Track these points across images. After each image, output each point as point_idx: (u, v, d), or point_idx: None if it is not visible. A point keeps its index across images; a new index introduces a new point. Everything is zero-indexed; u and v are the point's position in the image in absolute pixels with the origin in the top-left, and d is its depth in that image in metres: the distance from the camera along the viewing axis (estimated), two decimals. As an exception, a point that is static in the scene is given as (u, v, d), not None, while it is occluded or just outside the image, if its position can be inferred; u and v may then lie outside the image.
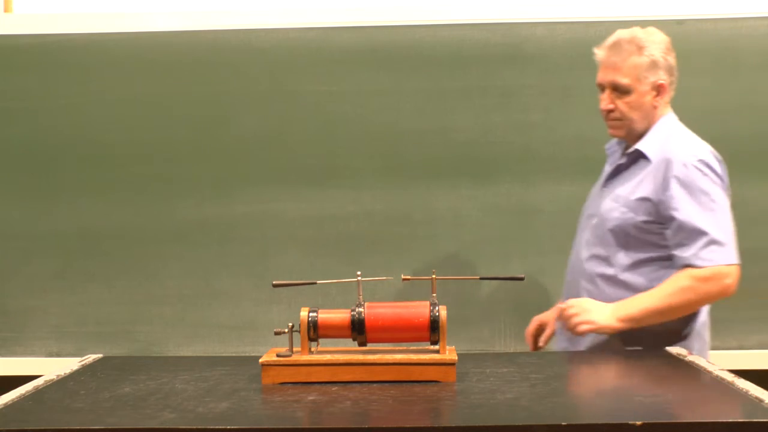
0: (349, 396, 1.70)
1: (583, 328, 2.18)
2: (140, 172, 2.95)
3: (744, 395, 1.67)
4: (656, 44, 2.27)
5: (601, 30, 2.89)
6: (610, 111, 2.29)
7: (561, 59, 2.91)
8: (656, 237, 2.23)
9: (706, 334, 2.34)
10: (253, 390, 1.78)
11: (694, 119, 2.90)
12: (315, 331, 1.86)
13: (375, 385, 1.78)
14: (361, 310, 1.85)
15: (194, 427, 1.51)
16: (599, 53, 2.31)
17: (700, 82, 2.89)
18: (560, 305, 2.30)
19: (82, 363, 2.11)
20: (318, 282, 2.11)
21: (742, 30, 2.89)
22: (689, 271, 2.18)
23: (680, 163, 2.21)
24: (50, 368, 2.07)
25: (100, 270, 2.95)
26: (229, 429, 1.49)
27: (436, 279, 1.90)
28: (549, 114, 2.92)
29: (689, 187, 2.20)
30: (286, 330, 1.87)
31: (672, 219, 2.20)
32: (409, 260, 2.89)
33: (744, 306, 2.88)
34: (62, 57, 2.96)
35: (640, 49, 2.25)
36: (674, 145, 2.26)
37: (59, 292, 2.95)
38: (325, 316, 1.87)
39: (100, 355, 2.23)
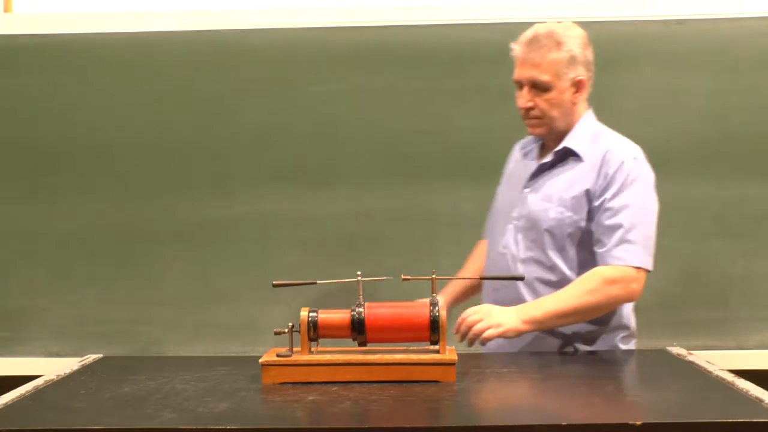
0: (349, 396, 1.70)
1: (489, 333, 2.08)
2: (140, 172, 2.95)
3: (744, 395, 1.67)
4: (574, 39, 2.21)
5: (600, 30, 2.89)
6: (530, 109, 2.22)
7: (561, 59, 2.91)
8: None
9: (632, 322, 2.29)
10: (253, 390, 1.78)
11: (694, 119, 2.91)
12: (315, 331, 1.86)
13: (375, 385, 1.78)
14: (361, 310, 1.85)
15: (194, 427, 1.51)
16: (516, 49, 2.21)
17: (700, 82, 2.89)
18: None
19: (82, 363, 2.11)
20: (318, 282, 2.12)
21: (742, 30, 2.89)
22: (599, 271, 2.14)
23: (617, 161, 2.19)
24: (50, 368, 2.07)
25: (100, 270, 2.95)
26: (229, 429, 1.49)
27: (436, 279, 1.90)
28: (549, 114, 2.91)
29: (622, 184, 2.17)
30: (286, 330, 1.87)
31: (598, 214, 2.18)
32: (409, 260, 2.89)
33: (744, 306, 2.88)
34: (62, 57, 2.96)
35: (558, 44, 2.19)
36: (607, 142, 2.24)
37: (59, 292, 2.95)
38: (325, 316, 1.87)
39: (100, 355, 2.23)
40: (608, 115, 2.91)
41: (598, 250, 2.17)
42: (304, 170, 2.94)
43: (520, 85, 2.22)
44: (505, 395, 1.70)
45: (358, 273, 1.94)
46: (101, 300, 2.94)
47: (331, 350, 1.93)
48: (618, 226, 2.14)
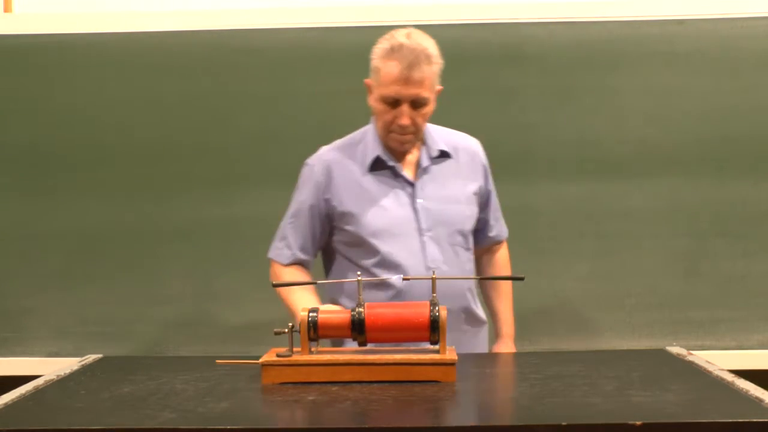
0: (349, 396, 1.70)
1: None
2: (140, 172, 2.95)
3: (744, 395, 1.67)
4: (435, 49, 2.15)
5: (601, 30, 2.90)
6: (406, 125, 2.15)
7: (561, 59, 2.91)
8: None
9: None
10: (253, 390, 1.78)
11: (694, 119, 2.91)
12: (315, 331, 1.86)
13: (375, 385, 1.79)
14: (361, 310, 1.85)
15: (194, 427, 1.51)
16: (390, 65, 2.10)
17: (700, 82, 2.89)
18: None
19: (82, 363, 2.11)
20: (318, 282, 2.12)
21: (742, 30, 2.89)
22: (502, 254, 2.44)
23: (481, 151, 2.34)
24: (50, 368, 2.07)
25: (100, 270, 2.95)
26: (229, 429, 1.49)
27: (436, 279, 1.90)
28: (549, 114, 2.91)
29: (487, 168, 2.35)
30: (286, 330, 1.87)
31: (489, 202, 2.35)
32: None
33: (744, 306, 2.88)
34: (62, 57, 2.96)
35: (429, 58, 2.11)
36: (458, 137, 2.33)
37: (59, 292, 2.95)
38: (325, 316, 1.87)
39: (100, 355, 2.23)
40: (608, 115, 2.92)
41: (491, 233, 2.37)
42: (304, 170, 2.94)
43: (394, 102, 2.13)
44: (505, 395, 1.70)
45: (358, 273, 1.94)
46: (101, 300, 2.94)
47: (331, 350, 1.93)
48: (497, 205, 2.39)
